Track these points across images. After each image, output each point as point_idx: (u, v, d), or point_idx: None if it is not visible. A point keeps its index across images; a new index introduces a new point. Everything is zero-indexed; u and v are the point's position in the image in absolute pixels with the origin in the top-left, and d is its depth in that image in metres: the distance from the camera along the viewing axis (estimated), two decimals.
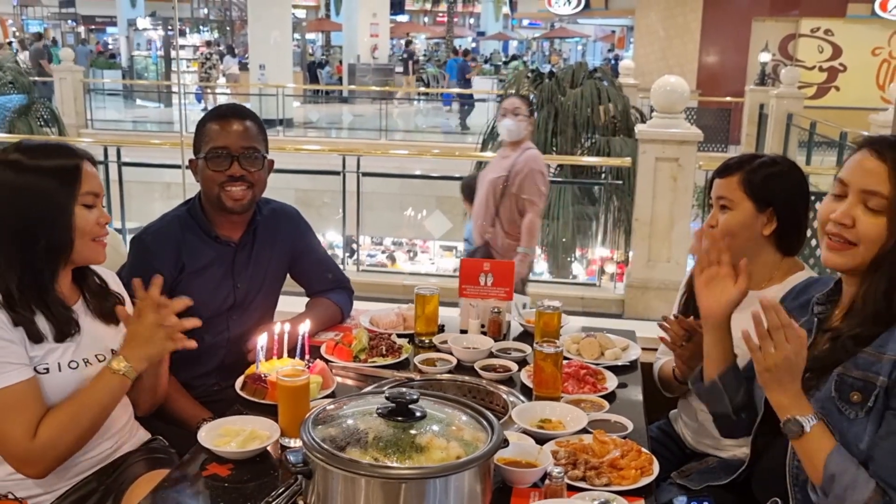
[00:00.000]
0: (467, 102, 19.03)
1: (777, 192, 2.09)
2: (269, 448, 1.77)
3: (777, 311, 1.54)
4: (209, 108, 18.68)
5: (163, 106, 20.55)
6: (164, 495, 1.63)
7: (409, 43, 30.18)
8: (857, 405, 1.54)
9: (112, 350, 1.93)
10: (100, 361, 1.91)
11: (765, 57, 15.26)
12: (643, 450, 1.76)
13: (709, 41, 17.01)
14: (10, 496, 1.79)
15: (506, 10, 35.24)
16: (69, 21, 34.87)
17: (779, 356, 1.54)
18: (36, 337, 1.80)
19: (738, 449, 2.08)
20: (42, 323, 1.82)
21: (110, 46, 30.24)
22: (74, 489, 1.88)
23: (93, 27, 36.55)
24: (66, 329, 1.85)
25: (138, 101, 21.97)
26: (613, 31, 31.91)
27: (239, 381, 2.06)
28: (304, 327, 2.11)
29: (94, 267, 2.01)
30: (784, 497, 1.67)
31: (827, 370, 1.61)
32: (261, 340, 2.06)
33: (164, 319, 1.87)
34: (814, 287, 1.82)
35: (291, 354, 2.11)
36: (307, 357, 2.10)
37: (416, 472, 1.40)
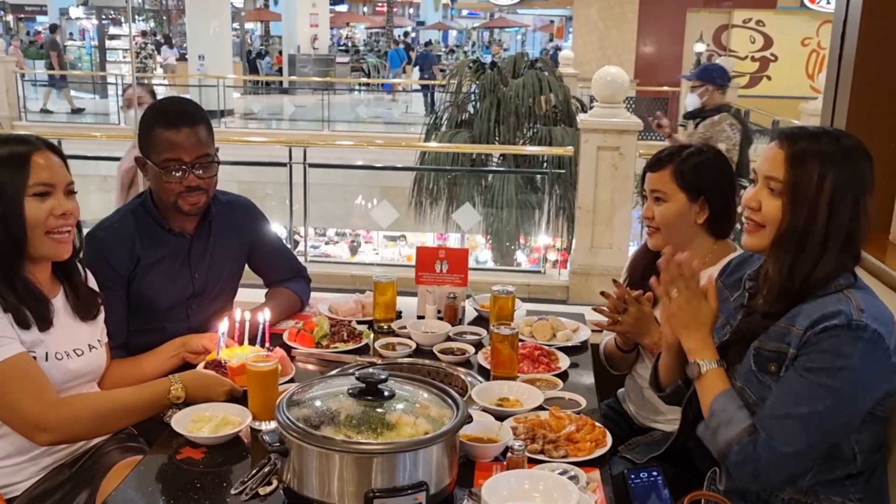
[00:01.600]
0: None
1: (706, 180, 2.22)
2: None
3: (681, 265, 1.79)
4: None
5: (98, 97, 20.10)
6: (142, 478, 1.69)
7: (406, 34, 29.80)
8: (775, 374, 1.69)
9: (89, 345, 1.98)
10: (78, 356, 1.94)
11: (699, 47, 15.61)
12: (597, 424, 1.87)
13: (645, 32, 17.33)
14: None
15: None
16: None
17: (680, 299, 1.79)
18: (23, 323, 1.83)
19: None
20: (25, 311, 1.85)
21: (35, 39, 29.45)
22: (46, 478, 1.91)
23: (21, 16, 35.51)
24: (39, 319, 1.88)
25: (73, 93, 21.44)
26: (552, 21, 32.19)
27: (200, 367, 2.10)
28: (264, 316, 2.16)
29: (80, 265, 2.03)
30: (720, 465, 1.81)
31: (745, 343, 1.77)
32: (222, 327, 2.11)
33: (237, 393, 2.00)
34: (747, 263, 1.95)
35: (252, 342, 2.17)
36: (267, 344, 2.15)
37: (388, 447, 1.48)
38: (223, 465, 1.74)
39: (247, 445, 1.81)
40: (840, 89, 2.59)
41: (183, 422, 1.83)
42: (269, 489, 1.62)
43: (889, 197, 2.49)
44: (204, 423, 1.84)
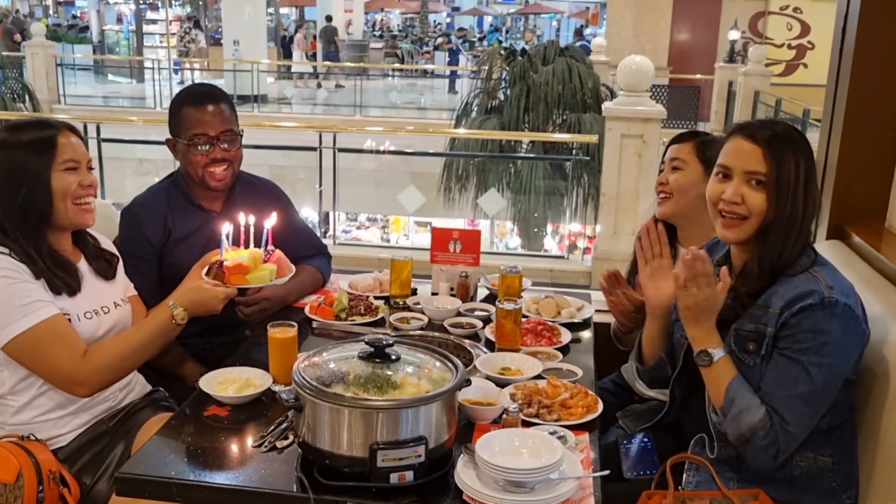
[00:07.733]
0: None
1: None
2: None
3: (704, 262, 1.81)
4: (185, 82, 18.52)
5: (135, 81, 20.44)
6: (173, 431, 1.87)
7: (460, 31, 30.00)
8: (754, 353, 1.82)
9: (115, 303, 2.19)
10: (105, 313, 2.14)
11: (734, 35, 15.50)
12: (590, 392, 2.01)
13: (680, 19, 17.22)
14: (32, 437, 2.01)
15: None
16: None
17: (699, 296, 1.82)
18: (55, 289, 2.03)
19: None
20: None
21: (78, 20, 29.91)
22: (89, 430, 2.11)
23: (60, 0, 36.06)
24: (68, 285, 2.07)
25: (110, 77, 21.82)
26: (587, 8, 32.03)
27: (204, 269, 2.26)
28: (269, 222, 2.30)
29: (90, 231, 2.23)
30: (709, 434, 1.93)
31: (725, 326, 1.88)
32: (224, 229, 2.24)
33: (232, 295, 2.21)
34: (713, 252, 2.06)
35: (257, 245, 2.29)
36: (269, 247, 2.29)
37: (391, 404, 1.64)
38: (245, 421, 1.91)
39: (267, 405, 1.98)
40: (840, 80, 2.68)
41: (210, 383, 2.01)
42: (285, 443, 1.79)
43: (886, 184, 2.58)
44: (229, 384, 2.01)
